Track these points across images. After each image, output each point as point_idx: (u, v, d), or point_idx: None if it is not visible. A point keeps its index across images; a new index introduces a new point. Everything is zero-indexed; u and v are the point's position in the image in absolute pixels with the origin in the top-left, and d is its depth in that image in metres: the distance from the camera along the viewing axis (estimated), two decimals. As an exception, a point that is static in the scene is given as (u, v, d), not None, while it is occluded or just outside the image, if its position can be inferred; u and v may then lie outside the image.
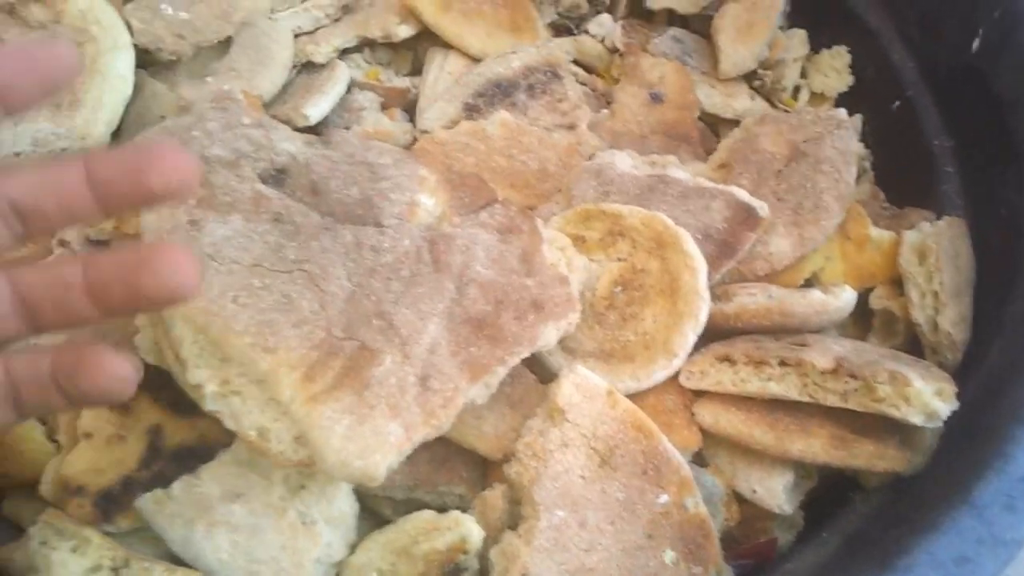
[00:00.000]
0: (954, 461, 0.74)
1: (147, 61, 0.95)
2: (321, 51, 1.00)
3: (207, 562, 0.67)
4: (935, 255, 0.83)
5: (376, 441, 0.62)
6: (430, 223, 0.76)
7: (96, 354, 0.45)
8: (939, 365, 0.82)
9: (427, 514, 0.69)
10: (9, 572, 0.66)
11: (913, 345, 0.86)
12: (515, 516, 0.72)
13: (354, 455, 0.61)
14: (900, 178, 1.04)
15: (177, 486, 0.68)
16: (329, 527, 0.69)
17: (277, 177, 0.73)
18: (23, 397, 0.46)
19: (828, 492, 0.83)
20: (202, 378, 0.64)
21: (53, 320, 0.45)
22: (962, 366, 0.83)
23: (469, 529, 0.67)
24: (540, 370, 0.79)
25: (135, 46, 0.90)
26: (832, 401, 0.73)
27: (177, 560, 0.68)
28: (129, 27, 0.91)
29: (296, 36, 1.00)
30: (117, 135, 0.87)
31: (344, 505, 0.70)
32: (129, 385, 0.46)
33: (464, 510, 0.71)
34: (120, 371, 0.45)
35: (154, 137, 0.45)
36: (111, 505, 0.68)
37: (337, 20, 1.04)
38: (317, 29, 1.02)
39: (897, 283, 0.88)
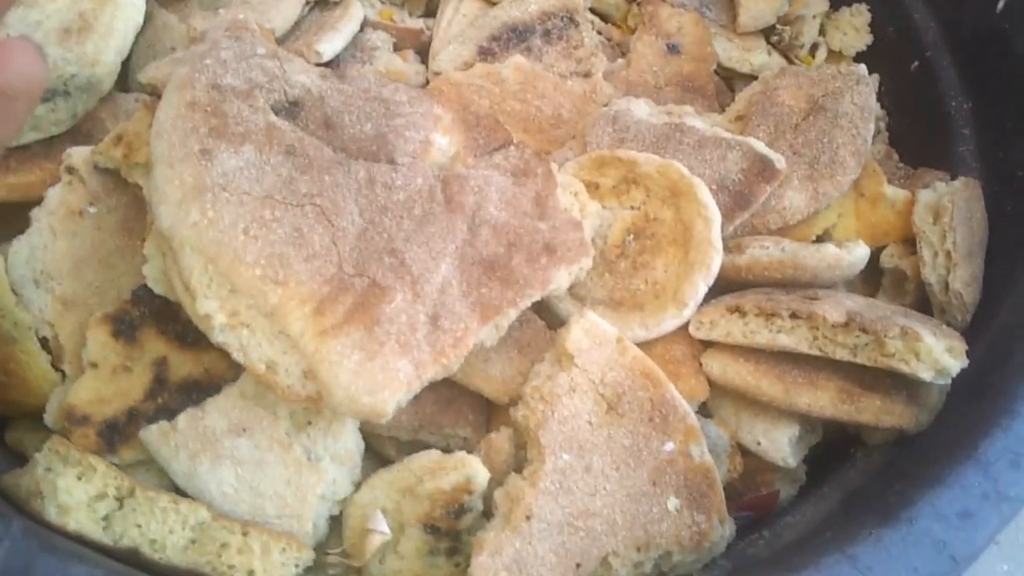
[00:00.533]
0: (960, 418, 0.74)
1: (161, -9, 0.93)
2: (335, -12, 0.97)
3: (211, 495, 0.67)
4: (949, 214, 0.83)
5: (385, 377, 0.62)
6: (444, 163, 0.75)
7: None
8: (948, 325, 0.82)
9: (433, 454, 0.69)
10: (13, 498, 0.66)
11: (922, 305, 0.86)
12: (520, 460, 0.72)
13: (363, 391, 0.61)
14: (915, 139, 1.03)
15: (182, 419, 0.68)
16: (335, 464, 0.69)
17: (290, 109, 0.72)
18: None
19: (830, 448, 0.83)
20: (211, 308, 0.63)
21: None
22: (971, 327, 0.83)
23: (475, 469, 0.67)
24: (549, 316, 0.78)
25: (147, -24, 0.88)
26: (841, 355, 0.72)
27: (180, 493, 0.67)
28: (141, -44, 0.89)
29: (310, -28, 0.98)
30: (127, 64, 0.86)
31: (350, 443, 0.70)
32: (37, 74, 0.42)
33: (469, 452, 0.71)
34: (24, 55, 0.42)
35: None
36: (115, 436, 0.68)
37: (352, -43, 1.02)
38: (331, -35, 1.00)
39: (909, 243, 0.87)
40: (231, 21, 0.77)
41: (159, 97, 0.73)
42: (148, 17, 0.87)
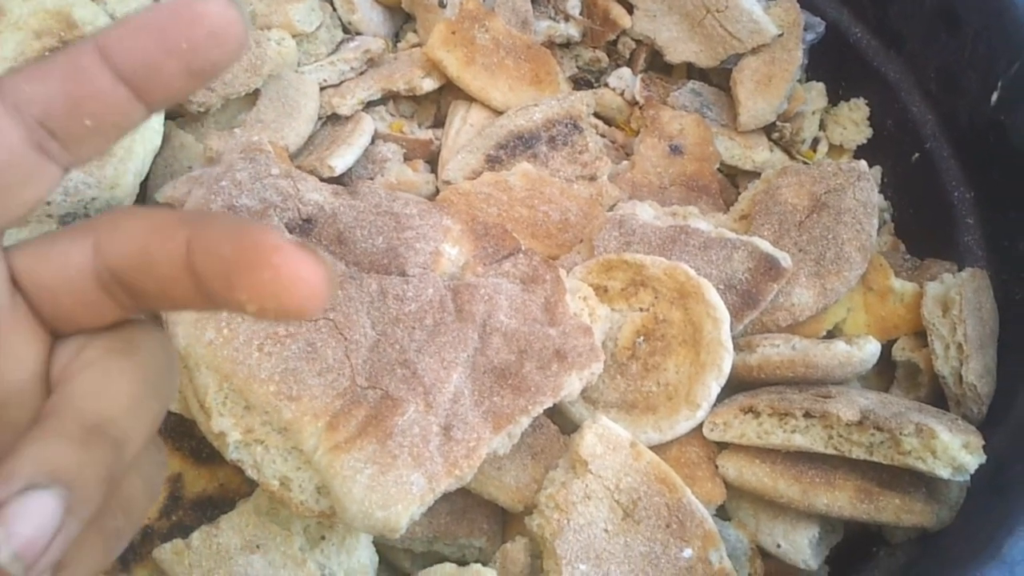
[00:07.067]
0: (982, 516, 0.73)
1: (175, 112, 0.96)
2: (346, 103, 1.01)
3: (226, 613, 0.66)
4: (958, 307, 0.83)
5: (398, 491, 0.62)
6: (454, 272, 0.76)
7: (276, 250, 0.30)
8: (964, 418, 0.81)
9: (448, 567, 0.68)
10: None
11: (937, 397, 0.86)
12: (536, 570, 0.71)
13: (376, 505, 0.61)
14: (921, 229, 1.04)
15: (196, 536, 0.68)
16: (349, 579, 0.68)
17: (304, 226, 0.74)
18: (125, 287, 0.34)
19: (852, 546, 0.81)
20: (226, 426, 0.64)
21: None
22: (987, 419, 0.82)
23: (491, 582, 0.66)
24: (562, 420, 0.78)
25: (164, 98, 0.92)
26: (857, 454, 0.72)
27: (196, 611, 0.67)
28: (159, 79, 0.93)
29: (322, 89, 1.02)
30: (145, 185, 0.89)
31: (364, 557, 0.69)
32: (321, 298, 0.31)
33: (485, 563, 0.70)
34: (312, 277, 0.30)
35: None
36: (129, 555, 0.68)
37: (362, 73, 1.06)
38: (343, 82, 1.04)
39: (920, 335, 0.87)
40: (246, 142, 0.80)
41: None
42: (165, 138, 0.90)
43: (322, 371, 0.66)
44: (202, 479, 0.72)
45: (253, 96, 0.98)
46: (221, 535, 0.67)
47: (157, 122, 0.89)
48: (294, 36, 1.03)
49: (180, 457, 0.72)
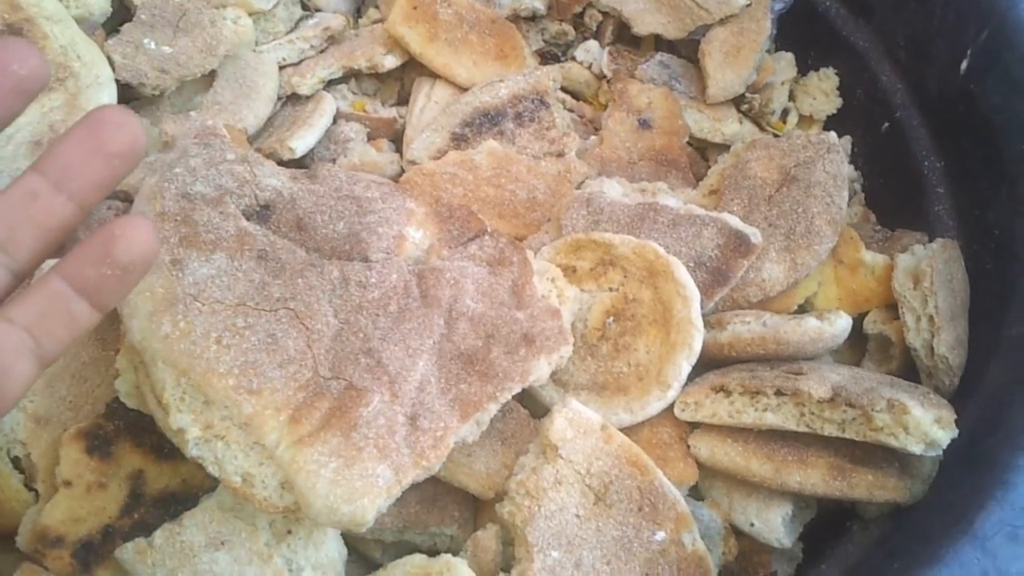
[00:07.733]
0: (954, 490, 0.72)
1: (130, 96, 0.93)
2: (306, 83, 0.99)
3: (191, 612, 0.65)
4: (929, 278, 0.82)
5: (364, 485, 0.60)
6: (419, 256, 0.75)
7: (122, 224, 0.46)
8: (936, 390, 0.81)
9: (418, 558, 0.67)
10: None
11: (909, 369, 0.85)
12: (508, 557, 0.70)
13: (341, 500, 0.60)
14: (891, 199, 1.04)
15: (159, 535, 0.66)
16: (316, 574, 0.67)
17: (262, 213, 0.72)
18: (43, 337, 0.46)
19: (826, 523, 0.81)
20: (185, 423, 0.62)
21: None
22: (959, 390, 0.82)
23: (460, 573, 0.65)
24: (532, 404, 0.77)
25: (117, 81, 0.89)
26: (830, 431, 0.71)
27: (161, 611, 0.66)
28: (111, 62, 0.90)
29: (281, 68, 1.00)
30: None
31: (332, 550, 0.68)
32: (154, 245, 0.46)
33: (456, 551, 0.70)
34: (145, 231, 0.46)
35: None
36: (91, 556, 0.67)
37: (322, 51, 1.03)
38: (302, 60, 1.02)
39: (892, 307, 0.87)
40: (200, 127, 0.77)
41: (131, 203, 0.73)
42: (120, 123, 0.88)
43: (283, 363, 0.64)
44: (164, 475, 0.70)
45: (209, 77, 0.96)
46: (184, 532, 0.66)
47: (109, 106, 0.86)
48: (251, 14, 1.01)
49: (141, 453, 0.70)
